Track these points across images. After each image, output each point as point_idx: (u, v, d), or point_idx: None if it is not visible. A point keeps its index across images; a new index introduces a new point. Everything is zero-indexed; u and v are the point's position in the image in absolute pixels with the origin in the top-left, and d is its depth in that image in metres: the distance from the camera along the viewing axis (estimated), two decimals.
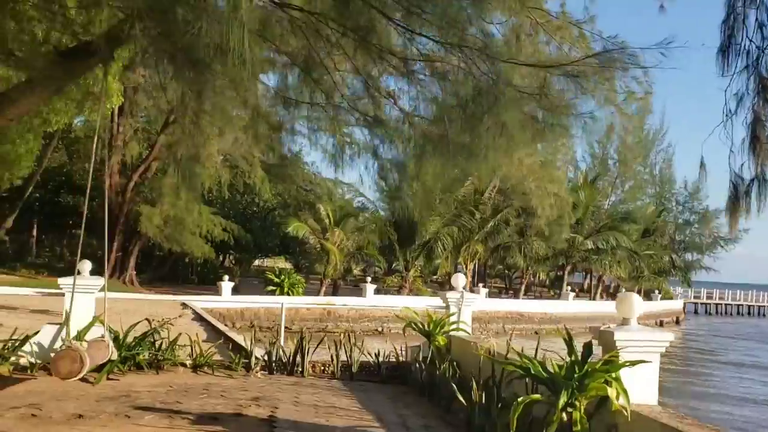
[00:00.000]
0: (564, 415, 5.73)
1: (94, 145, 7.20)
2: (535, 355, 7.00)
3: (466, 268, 40.40)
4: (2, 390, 7.96)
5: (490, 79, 6.08)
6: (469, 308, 11.05)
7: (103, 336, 8.28)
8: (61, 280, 9.55)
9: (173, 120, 28.89)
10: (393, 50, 6.29)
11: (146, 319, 10.16)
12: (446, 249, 35.22)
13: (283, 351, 10.32)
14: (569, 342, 6.29)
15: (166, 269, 39.32)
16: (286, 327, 25.89)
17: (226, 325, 20.01)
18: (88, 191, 8.04)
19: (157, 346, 9.79)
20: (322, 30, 6.15)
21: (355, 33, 6.00)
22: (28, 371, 9.03)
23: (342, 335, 10.83)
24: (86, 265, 9.57)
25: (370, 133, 6.86)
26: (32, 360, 9.16)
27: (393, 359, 10.73)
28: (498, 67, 6.06)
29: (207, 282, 38.25)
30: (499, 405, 6.92)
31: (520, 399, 5.84)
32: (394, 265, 40.71)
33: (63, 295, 13.69)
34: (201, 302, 23.64)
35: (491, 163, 6.91)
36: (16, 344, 9.21)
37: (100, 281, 9.77)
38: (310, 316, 27.70)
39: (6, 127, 6.50)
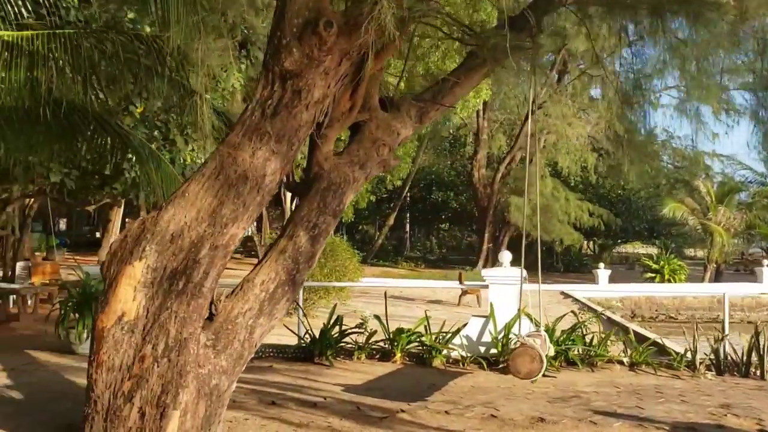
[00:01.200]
0: None
1: (529, 132, 6.68)
2: None
3: None
4: (446, 385, 7.92)
5: None
6: None
7: (538, 330, 7.76)
8: (485, 272, 9.41)
9: (539, 106, 28.53)
10: None
11: (572, 311, 9.52)
12: None
13: (733, 348, 8.79)
14: None
15: (532, 257, 39.24)
16: (671, 317, 23.53)
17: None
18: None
19: (587, 340, 9.06)
20: None
21: None
22: (460, 364, 8.98)
23: None
24: (506, 256, 9.26)
25: None
26: (462, 353, 9.10)
27: None
28: None
29: (571, 269, 37.20)
30: None
31: None
32: None
33: (451, 286, 13.92)
34: (579, 291, 22.62)
35: None
36: (447, 336, 9.26)
37: (521, 272, 9.38)
38: (698, 305, 24.98)
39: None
